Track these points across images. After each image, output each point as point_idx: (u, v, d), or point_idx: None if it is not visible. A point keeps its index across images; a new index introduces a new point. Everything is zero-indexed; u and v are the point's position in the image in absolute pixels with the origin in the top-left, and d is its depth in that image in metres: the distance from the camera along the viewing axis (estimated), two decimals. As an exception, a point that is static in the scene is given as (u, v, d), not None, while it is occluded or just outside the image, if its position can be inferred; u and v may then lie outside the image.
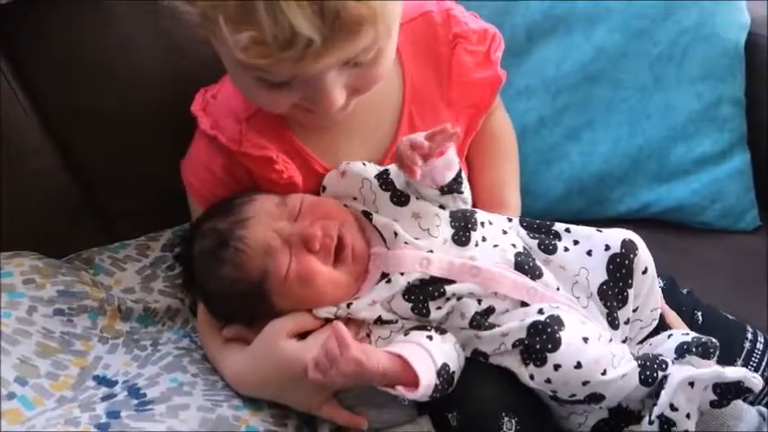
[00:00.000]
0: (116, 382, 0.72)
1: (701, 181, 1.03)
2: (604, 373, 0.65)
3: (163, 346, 0.79)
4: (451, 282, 0.71)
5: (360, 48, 0.62)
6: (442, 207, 0.76)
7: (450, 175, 0.74)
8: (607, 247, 0.71)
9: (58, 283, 0.78)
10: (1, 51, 0.84)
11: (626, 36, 1.01)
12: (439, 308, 0.71)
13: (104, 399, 0.69)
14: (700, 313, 0.82)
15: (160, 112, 0.87)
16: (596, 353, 0.66)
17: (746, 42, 1.01)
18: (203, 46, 0.68)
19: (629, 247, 0.71)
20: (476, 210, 0.77)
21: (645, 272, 0.71)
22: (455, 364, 0.69)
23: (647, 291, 0.72)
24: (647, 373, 0.67)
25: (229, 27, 0.57)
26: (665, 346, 0.70)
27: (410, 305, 0.71)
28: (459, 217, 0.75)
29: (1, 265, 0.78)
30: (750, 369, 0.73)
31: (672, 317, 0.77)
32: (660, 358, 0.68)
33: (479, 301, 0.71)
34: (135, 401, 0.68)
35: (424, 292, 0.71)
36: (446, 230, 0.74)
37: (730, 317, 0.83)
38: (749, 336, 0.80)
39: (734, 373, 0.65)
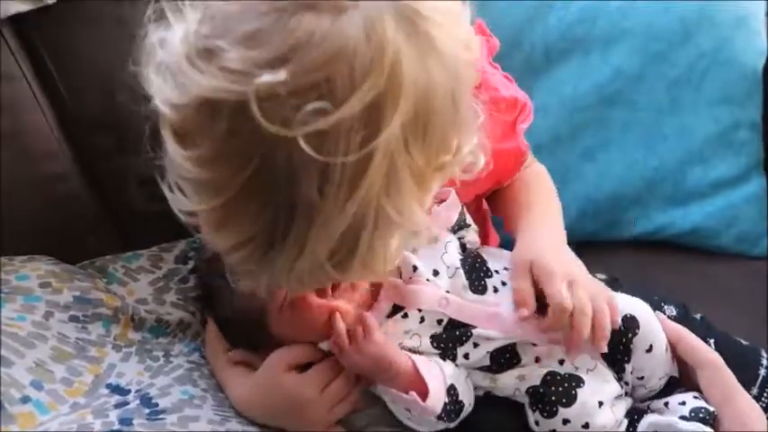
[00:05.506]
0: (129, 391, 0.72)
1: (716, 205, 1.02)
2: None
3: (175, 358, 0.79)
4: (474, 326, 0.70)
5: None
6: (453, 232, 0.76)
7: (455, 215, 0.75)
8: None
9: (74, 288, 0.78)
10: (27, 57, 0.85)
11: (644, 58, 1.01)
12: (466, 355, 0.70)
13: (117, 406, 0.69)
14: (712, 340, 0.80)
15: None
16: (606, 418, 0.67)
17: (764, 67, 1.02)
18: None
19: (629, 324, 0.70)
20: (486, 260, 0.75)
21: (649, 350, 0.70)
22: (465, 395, 0.69)
23: (655, 365, 0.71)
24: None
25: None
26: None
27: (438, 351, 0.70)
28: (471, 266, 0.73)
29: (17, 269, 0.78)
30: (766, 395, 0.73)
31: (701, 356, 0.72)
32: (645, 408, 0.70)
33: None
34: (147, 410, 0.69)
35: (452, 338, 0.70)
36: (462, 275, 0.72)
37: (745, 342, 0.83)
38: (764, 362, 0.79)
39: (688, 426, 0.65)
